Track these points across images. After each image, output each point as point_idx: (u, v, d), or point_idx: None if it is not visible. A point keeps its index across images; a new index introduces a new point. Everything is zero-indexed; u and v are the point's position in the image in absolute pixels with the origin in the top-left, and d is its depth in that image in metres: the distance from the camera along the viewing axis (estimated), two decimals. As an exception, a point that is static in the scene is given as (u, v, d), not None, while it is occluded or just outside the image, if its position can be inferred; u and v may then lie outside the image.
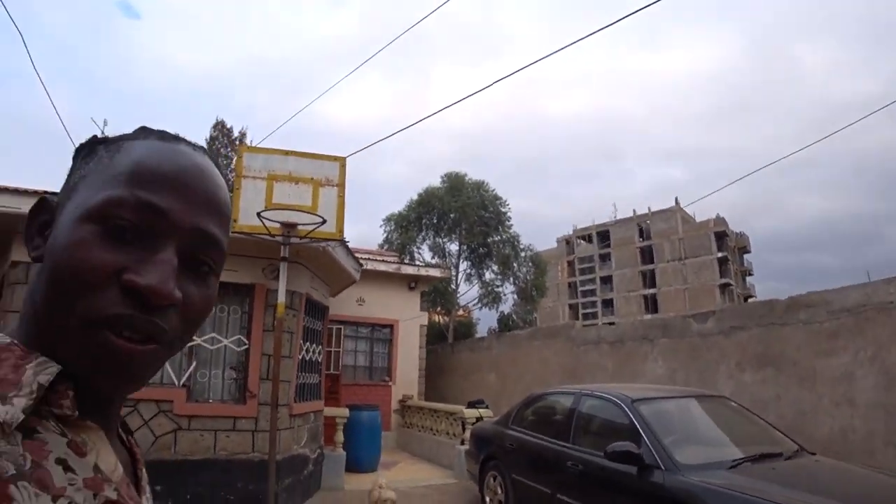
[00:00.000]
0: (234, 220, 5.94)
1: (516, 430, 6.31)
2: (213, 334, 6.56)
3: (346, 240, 6.83)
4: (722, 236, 63.73)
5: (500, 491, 6.36)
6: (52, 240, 0.55)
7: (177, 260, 0.55)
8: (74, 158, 0.63)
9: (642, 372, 8.01)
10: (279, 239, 5.99)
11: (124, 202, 0.54)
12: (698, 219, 66.30)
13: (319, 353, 8.40)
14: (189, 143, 0.63)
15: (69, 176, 0.61)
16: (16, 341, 0.53)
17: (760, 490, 3.73)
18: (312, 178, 6.18)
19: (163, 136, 0.62)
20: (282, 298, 5.94)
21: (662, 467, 4.25)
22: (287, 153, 6.29)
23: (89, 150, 0.62)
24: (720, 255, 61.88)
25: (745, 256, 69.47)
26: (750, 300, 49.99)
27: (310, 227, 5.89)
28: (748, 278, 67.76)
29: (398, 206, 26.62)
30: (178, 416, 6.25)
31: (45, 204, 0.61)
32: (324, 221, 5.81)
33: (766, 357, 6.63)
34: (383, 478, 5.05)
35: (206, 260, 0.59)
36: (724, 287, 56.95)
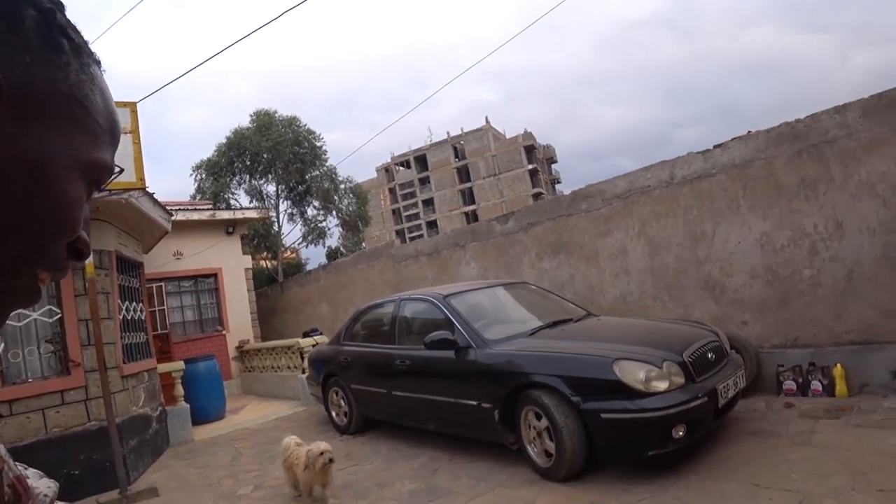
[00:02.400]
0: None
1: (349, 345, 6.80)
2: (19, 310, 6.19)
3: (149, 188, 6.63)
4: (531, 149, 68.12)
5: (343, 404, 6.88)
6: (40, 169, 0.44)
7: None
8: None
9: (458, 275, 8.80)
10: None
11: (107, 168, 0.53)
12: (508, 135, 70.05)
13: (142, 312, 8.18)
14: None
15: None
16: None
17: (549, 345, 4.58)
18: (101, 130, 5.90)
19: (97, 59, 0.52)
20: (89, 258, 5.75)
21: (475, 346, 4.97)
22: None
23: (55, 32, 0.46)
24: (531, 167, 66.37)
25: (553, 166, 75.06)
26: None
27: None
28: (557, 186, 73.34)
29: (207, 152, 25.15)
30: (-6, 402, 5.93)
31: None
32: (121, 171, 5.55)
33: (559, 245, 7.63)
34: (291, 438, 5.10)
35: None
36: (537, 196, 61.19)
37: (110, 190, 5.91)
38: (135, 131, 6.10)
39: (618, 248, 6.99)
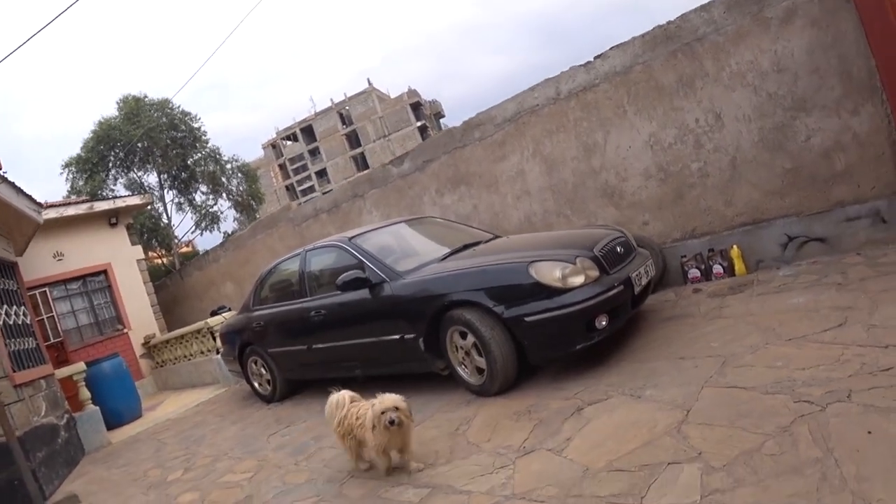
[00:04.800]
0: None
1: (259, 310, 6.52)
2: None
3: (5, 172, 5.96)
4: (417, 107, 67.79)
5: (264, 372, 6.63)
6: None
7: None
8: None
9: (361, 225, 8.61)
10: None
11: None
12: (392, 95, 69.15)
13: (25, 316, 7.49)
14: None
15: None
16: None
17: (463, 264, 4.54)
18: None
19: None
20: (-52, 262, 5.14)
21: (388, 279, 4.86)
22: None
23: None
24: (419, 123, 66.08)
25: (442, 121, 74.94)
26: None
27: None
28: (446, 138, 73.27)
29: (74, 150, 23.10)
30: None
31: None
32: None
33: (458, 177, 7.58)
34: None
35: None
36: (428, 151, 60.97)
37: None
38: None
39: (515, 171, 7.01)
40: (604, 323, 3.92)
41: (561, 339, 3.93)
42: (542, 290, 3.88)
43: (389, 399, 3.33)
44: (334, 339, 5.47)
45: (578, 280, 3.93)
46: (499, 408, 3.99)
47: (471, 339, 4.22)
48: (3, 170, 5.59)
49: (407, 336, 4.71)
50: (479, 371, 4.28)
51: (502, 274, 4.14)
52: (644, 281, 4.40)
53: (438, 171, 7.76)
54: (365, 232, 5.74)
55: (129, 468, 6.00)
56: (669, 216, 5.95)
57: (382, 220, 7.72)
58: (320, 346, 5.64)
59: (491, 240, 5.62)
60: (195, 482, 4.78)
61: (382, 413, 3.28)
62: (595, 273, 4.05)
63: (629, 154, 6.07)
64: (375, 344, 5.05)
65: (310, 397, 6.24)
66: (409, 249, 5.62)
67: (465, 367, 4.42)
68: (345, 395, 3.82)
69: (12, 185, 6.74)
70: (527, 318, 3.92)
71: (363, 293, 5.02)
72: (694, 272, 5.67)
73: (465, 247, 5.29)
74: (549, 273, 3.92)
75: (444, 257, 5.04)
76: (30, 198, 7.42)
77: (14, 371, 6.28)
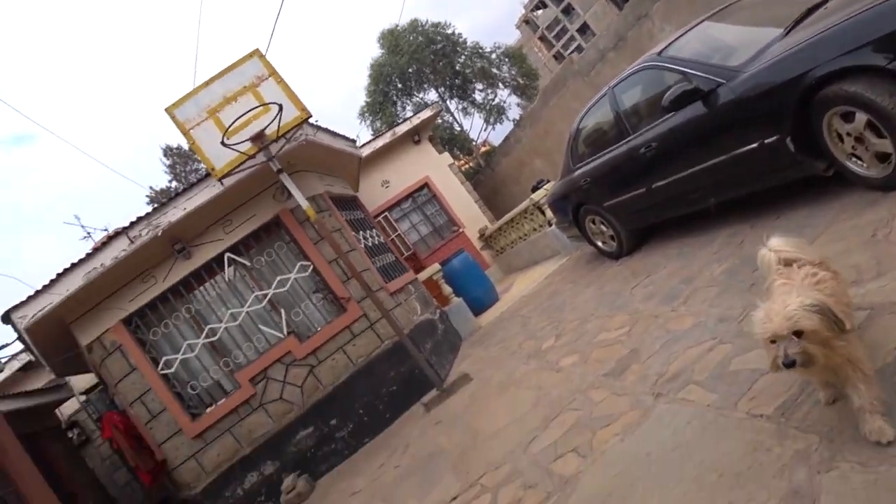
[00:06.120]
0: (212, 170, 5.69)
1: (581, 167, 6.09)
2: (277, 278, 6.54)
3: (316, 120, 6.47)
4: None
5: (604, 229, 6.26)
6: None
7: None
8: None
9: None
10: (262, 157, 5.71)
11: None
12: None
13: (378, 237, 8.36)
14: None
15: None
16: None
17: (815, 30, 3.35)
18: (245, 87, 5.76)
19: None
20: (304, 203, 5.74)
21: (724, 80, 3.95)
22: (207, 83, 5.82)
23: None
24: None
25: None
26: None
27: (275, 126, 5.56)
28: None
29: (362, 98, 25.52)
30: (302, 360, 6.38)
31: None
32: (280, 107, 5.43)
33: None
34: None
35: None
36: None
37: (285, 136, 5.78)
38: (273, 73, 5.86)
39: None
40: None
41: None
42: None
43: (781, 308, 1.68)
44: (674, 171, 4.76)
45: None
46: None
47: (861, 118, 3.13)
48: (315, 119, 6.02)
49: (767, 141, 3.78)
50: (881, 158, 3.21)
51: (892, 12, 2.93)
52: None
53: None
54: (671, 42, 4.81)
55: (504, 344, 6.26)
56: None
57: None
58: (660, 183, 4.99)
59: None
60: (570, 345, 4.64)
61: (772, 342, 1.71)
62: None
63: None
64: (726, 162, 4.20)
65: (662, 244, 5.69)
66: (732, 44, 4.52)
67: (858, 158, 3.37)
68: (769, 253, 2.03)
69: (326, 129, 7.35)
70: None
71: (696, 108, 4.19)
72: None
73: (810, 11, 4.00)
74: None
75: (787, 31, 3.87)
76: (344, 137, 8.07)
77: (386, 282, 7.01)
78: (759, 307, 1.76)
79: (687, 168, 4.61)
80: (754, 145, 3.89)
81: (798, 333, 1.63)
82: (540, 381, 4.29)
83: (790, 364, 1.65)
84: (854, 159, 3.41)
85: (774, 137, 3.72)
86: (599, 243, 6.55)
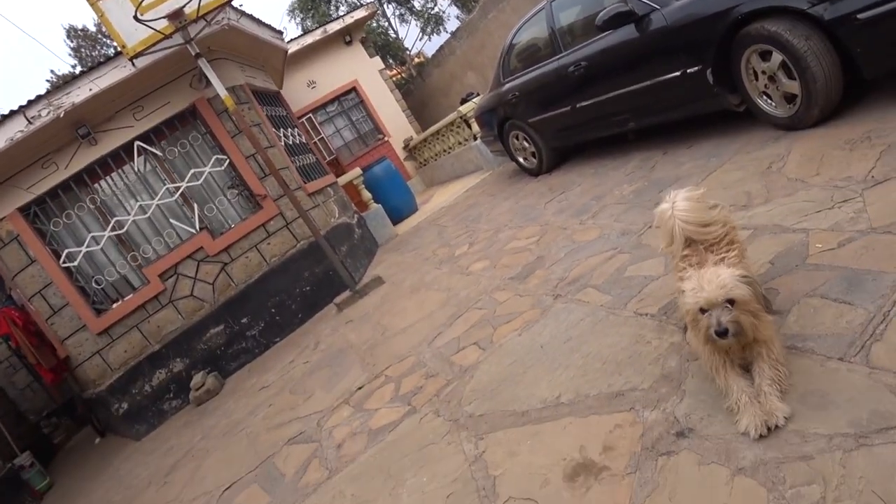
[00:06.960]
0: (123, 48, 5.30)
1: (511, 81, 6.08)
2: (191, 171, 6.30)
3: (241, 4, 6.07)
4: None
5: (527, 144, 6.35)
6: None
7: None
8: None
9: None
10: (179, 39, 5.35)
11: None
12: None
13: (299, 136, 8.12)
14: None
15: None
16: None
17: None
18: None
19: None
20: (223, 93, 5.47)
21: (657, 6, 3.99)
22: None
23: None
24: None
25: None
26: None
27: (195, 5, 5.19)
28: None
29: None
30: (214, 257, 6.27)
31: None
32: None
33: None
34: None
35: None
36: None
37: (206, 19, 5.41)
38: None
39: None
40: None
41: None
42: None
43: (714, 277, 1.65)
44: (600, 92, 4.84)
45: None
46: (819, 139, 3.13)
47: (776, 58, 3.27)
48: (240, 3, 5.65)
49: (689, 70, 3.88)
50: (789, 99, 3.38)
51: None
52: None
53: None
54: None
55: (419, 251, 6.38)
56: None
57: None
58: (585, 103, 5.07)
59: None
60: (482, 252, 4.80)
61: (702, 312, 1.66)
62: None
63: None
64: (650, 88, 4.30)
65: (580, 164, 5.86)
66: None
67: (769, 96, 3.54)
68: (675, 200, 1.88)
69: (251, 16, 6.92)
70: (860, 16, 2.84)
71: (628, 31, 4.23)
72: None
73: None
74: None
75: None
76: (269, 27, 7.63)
77: (305, 182, 6.89)
78: (688, 276, 1.73)
79: (612, 90, 4.70)
80: (677, 73, 4.00)
81: (731, 302, 1.61)
82: (450, 284, 4.44)
83: (723, 332, 1.60)
84: (765, 98, 3.58)
85: (696, 68, 3.83)
86: (521, 159, 6.65)
